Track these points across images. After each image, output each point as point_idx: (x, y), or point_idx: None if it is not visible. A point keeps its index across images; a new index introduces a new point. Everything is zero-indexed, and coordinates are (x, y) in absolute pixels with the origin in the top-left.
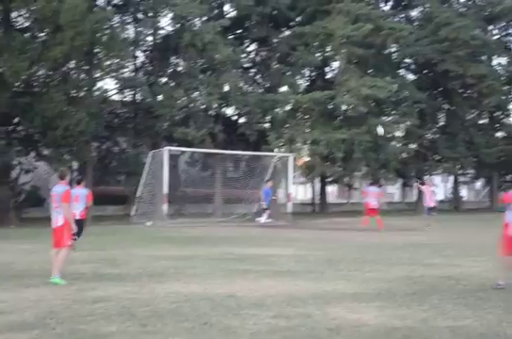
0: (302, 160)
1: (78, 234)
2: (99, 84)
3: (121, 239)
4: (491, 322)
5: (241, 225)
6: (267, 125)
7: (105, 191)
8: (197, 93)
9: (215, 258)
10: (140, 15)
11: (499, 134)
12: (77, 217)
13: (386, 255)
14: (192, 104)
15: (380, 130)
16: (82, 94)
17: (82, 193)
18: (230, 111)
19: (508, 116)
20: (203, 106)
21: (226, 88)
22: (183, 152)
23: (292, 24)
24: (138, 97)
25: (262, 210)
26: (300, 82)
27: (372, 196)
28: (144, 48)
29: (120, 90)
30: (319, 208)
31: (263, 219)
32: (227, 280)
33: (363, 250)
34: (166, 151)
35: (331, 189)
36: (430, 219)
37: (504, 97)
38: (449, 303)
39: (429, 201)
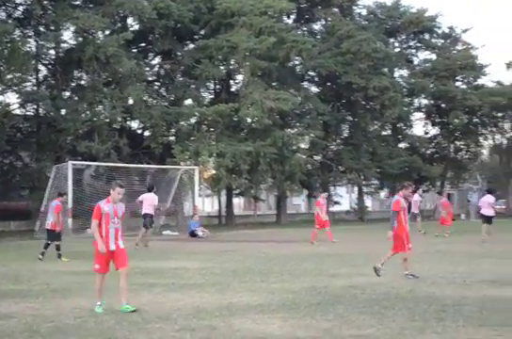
0: (208, 173)
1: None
2: (0, 98)
3: (25, 255)
4: (395, 330)
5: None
6: (172, 138)
7: (8, 206)
8: (101, 107)
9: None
10: (42, 28)
11: (401, 145)
12: (48, 227)
13: (292, 266)
14: (96, 118)
15: None
16: None
17: (53, 205)
18: (134, 124)
19: (410, 127)
20: (107, 120)
21: (130, 101)
22: (87, 166)
23: (196, 37)
24: (41, 111)
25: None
26: (205, 95)
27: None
28: (46, 62)
29: (22, 105)
30: (225, 220)
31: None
32: (133, 294)
33: (269, 261)
34: (69, 165)
35: (238, 201)
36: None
37: (405, 109)
38: (354, 312)
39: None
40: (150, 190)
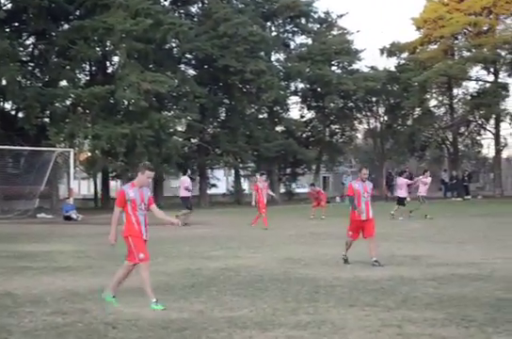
0: (84, 155)
1: None
2: None
3: None
4: (267, 311)
5: (21, 222)
6: (47, 120)
7: None
8: None
9: None
10: None
11: (278, 128)
12: None
13: (167, 249)
14: None
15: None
16: None
17: None
18: (7, 106)
19: (287, 111)
20: None
21: (3, 82)
22: None
23: (71, 17)
24: None
25: None
26: (80, 76)
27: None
28: None
29: None
30: (102, 203)
31: None
32: (4, 277)
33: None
34: None
35: (114, 184)
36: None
37: (282, 92)
38: (227, 294)
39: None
40: (184, 173)
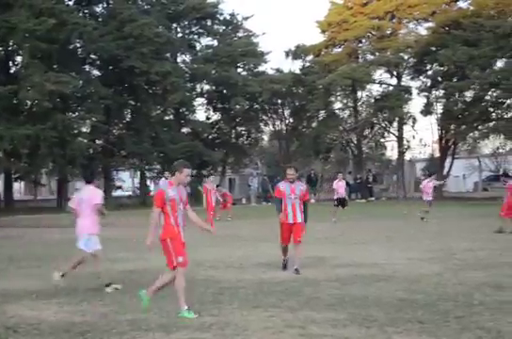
0: None
1: None
2: None
3: None
4: (171, 314)
5: None
6: None
7: None
8: None
9: None
10: None
11: (184, 130)
12: None
13: (71, 251)
14: None
15: None
16: None
17: None
18: None
19: (193, 112)
20: None
21: None
22: None
23: None
24: None
25: None
26: None
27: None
28: None
29: None
30: (4, 205)
31: None
32: None
33: (49, 246)
34: None
35: (18, 186)
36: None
37: (188, 94)
38: (131, 297)
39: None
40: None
